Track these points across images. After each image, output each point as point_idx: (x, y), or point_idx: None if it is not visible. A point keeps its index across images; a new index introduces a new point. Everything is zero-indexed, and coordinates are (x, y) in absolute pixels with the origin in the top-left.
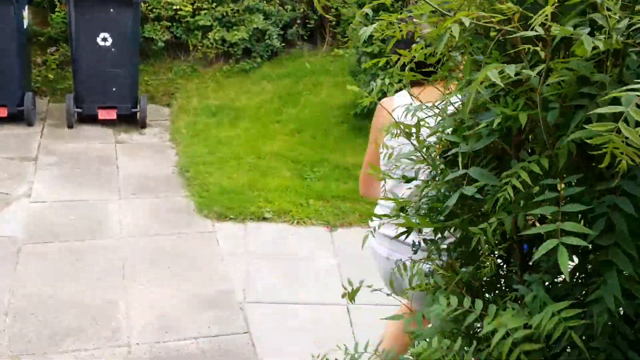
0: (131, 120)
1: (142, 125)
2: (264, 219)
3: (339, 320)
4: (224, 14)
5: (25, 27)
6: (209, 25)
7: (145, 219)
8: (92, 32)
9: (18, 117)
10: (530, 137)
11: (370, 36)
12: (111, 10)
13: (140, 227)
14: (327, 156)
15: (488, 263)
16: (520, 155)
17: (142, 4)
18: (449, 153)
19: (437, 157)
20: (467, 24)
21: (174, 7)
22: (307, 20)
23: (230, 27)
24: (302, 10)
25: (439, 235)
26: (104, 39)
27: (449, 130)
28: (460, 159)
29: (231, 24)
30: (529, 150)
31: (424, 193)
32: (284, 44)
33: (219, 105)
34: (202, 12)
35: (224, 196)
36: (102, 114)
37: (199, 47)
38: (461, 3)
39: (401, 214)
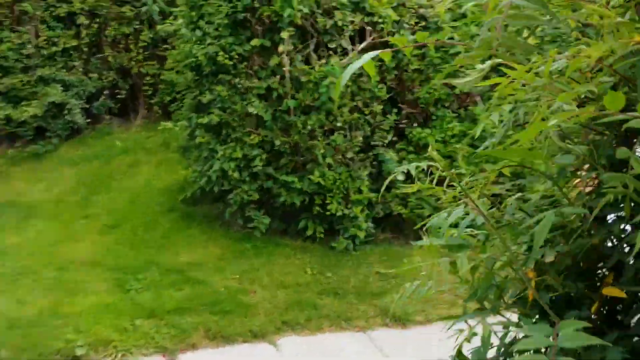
0: None
1: None
2: (75, 357)
3: None
4: (11, 86)
5: None
6: None
7: None
8: None
9: None
10: None
11: (207, 104)
12: None
13: None
14: (154, 257)
15: None
16: None
17: None
18: None
19: None
20: None
21: None
22: (117, 91)
23: (18, 102)
24: (111, 79)
25: None
26: None
27: None
28: None
29: (19, 98)
30: None
31: None
32: (88, 120)
33: (2, 203)
34: None
35: (15, 332)
36: None
37: None
38: None
39: None
